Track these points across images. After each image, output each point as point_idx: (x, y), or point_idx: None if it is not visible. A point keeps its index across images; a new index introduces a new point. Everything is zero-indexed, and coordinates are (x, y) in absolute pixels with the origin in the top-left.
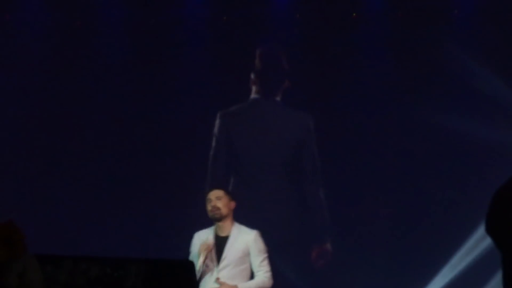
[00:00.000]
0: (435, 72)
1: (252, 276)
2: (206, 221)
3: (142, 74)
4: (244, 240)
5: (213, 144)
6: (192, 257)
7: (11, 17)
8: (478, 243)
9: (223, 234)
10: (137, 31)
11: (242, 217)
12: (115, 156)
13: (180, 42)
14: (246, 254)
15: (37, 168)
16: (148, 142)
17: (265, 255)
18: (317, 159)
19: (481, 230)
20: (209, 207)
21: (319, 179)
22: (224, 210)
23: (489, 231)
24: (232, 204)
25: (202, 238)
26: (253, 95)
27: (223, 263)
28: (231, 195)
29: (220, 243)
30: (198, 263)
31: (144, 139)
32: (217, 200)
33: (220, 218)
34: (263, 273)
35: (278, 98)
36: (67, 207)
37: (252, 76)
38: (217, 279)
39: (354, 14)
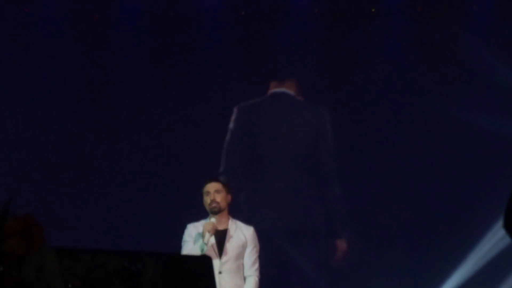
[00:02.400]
0: (453, 67)
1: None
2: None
3: (160, 67)
4: (243, 235)
5: (228, 137)
6: (186, 247)
7: (30, 10)
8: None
9: (220, 228)
10: (155, 24)
11: (259, 210)
12: (131, 149)
13: (198, 36)
14: (244, 249)
15: (54, 163)
16: (164, 135)
17: (257, 254)
18: (333, 154)
19: (497, 228)
20: (207, 200)
21: (335, 174)
22: (222, 204)
23: (507, 226)
24: (229, 198)
25: (199, 228)
26: (270, 89)
27: (225, 257)
28: (228, 188)
29: (219, 236)
30: (203, 241)
31: (160, 133)
32: (216, 193)
33: (218, 212)
34: (254, 277)
35: (295, 93)
36: (83, 201)
37: (269, 70)
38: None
39: (373, 9)
